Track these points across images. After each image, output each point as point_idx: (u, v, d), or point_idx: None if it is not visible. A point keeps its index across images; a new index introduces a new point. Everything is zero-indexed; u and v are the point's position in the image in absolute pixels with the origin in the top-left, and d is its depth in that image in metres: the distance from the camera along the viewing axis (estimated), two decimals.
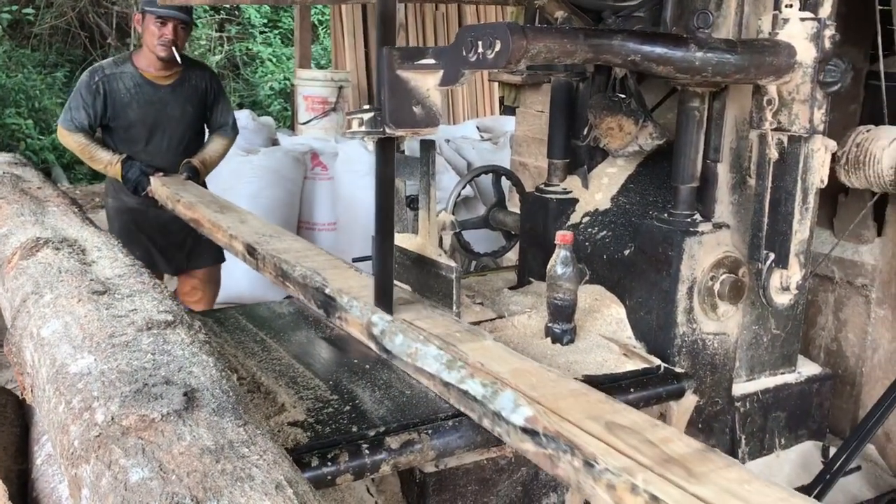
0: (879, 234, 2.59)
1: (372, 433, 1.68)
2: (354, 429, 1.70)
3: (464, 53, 1.68)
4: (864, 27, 2.49)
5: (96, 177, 10.17)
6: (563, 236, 2.18)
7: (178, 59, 3.69)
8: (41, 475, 1.64)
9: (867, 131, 2.21)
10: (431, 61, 1.79)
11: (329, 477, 1.59)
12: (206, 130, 4.06)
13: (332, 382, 1.93)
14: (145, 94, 3.73)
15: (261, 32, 12.15)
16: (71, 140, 3.75)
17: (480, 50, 1.64)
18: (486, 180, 3.57)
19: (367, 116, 1.88)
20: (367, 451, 1.63)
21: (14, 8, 10.53)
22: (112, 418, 1.14)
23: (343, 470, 1.60)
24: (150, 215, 3.81)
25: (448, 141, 6.13)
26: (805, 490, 2.33)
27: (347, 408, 1.79)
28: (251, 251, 2.66)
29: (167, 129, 3.81)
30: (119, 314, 1.51)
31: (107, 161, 3.72)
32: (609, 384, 1.96)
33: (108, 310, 1.53)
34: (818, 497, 2.30)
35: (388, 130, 1.82)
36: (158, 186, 3.62)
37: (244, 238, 2.74)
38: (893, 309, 2.55)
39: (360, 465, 1.62)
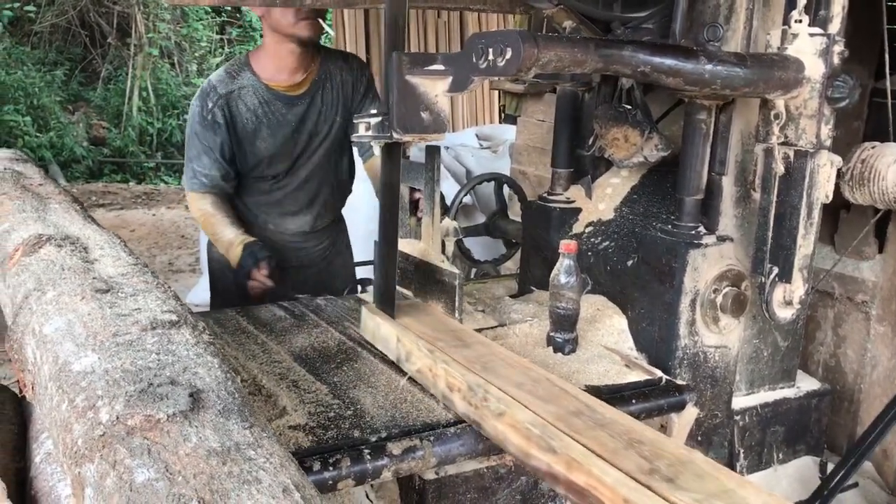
0: (881, 250, 2.60)
1: (374, 439, 1.67)
2: (356, 434, 1.69)
3: (474, 60, 1.68)
4: (869, 44, 2.51)
5: (94, 175, 10.16)
6: (567, 245, 2.17)
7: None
8: (39, 473, 1.62)
9: (872, 148, 2.22)
10: (441, 67, 1.79)
11: (330, 482, 1.58)
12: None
13: (334, 386, 1.92)
14: (276, 113, 2.63)
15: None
16: (196, 208, 2.68)
17: (491, 57, 1.64)
18: (484, 188, 3.56)
19: (374, 121, 1.88)
20: (368, 457, 1.63)
21: (15, 5, 10.55)
22: (117, 417, 1.12)
23: (345, 475, 1.59)
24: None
25: (447, 148, 6.13)
26: None
27: (349, 412, 1.78)
28: None
29: (314, 159, 2.71)
30: (123, 313, 1.49)
31: (228, 241, 2.64)
32: (611, 395, 1.96)
33: (112, 308, 1.51)
34: None
35: (395, 135, 1.82)
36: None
37: None
38: (893, 326, 2.55)
39: (361, 471, 1.61)
